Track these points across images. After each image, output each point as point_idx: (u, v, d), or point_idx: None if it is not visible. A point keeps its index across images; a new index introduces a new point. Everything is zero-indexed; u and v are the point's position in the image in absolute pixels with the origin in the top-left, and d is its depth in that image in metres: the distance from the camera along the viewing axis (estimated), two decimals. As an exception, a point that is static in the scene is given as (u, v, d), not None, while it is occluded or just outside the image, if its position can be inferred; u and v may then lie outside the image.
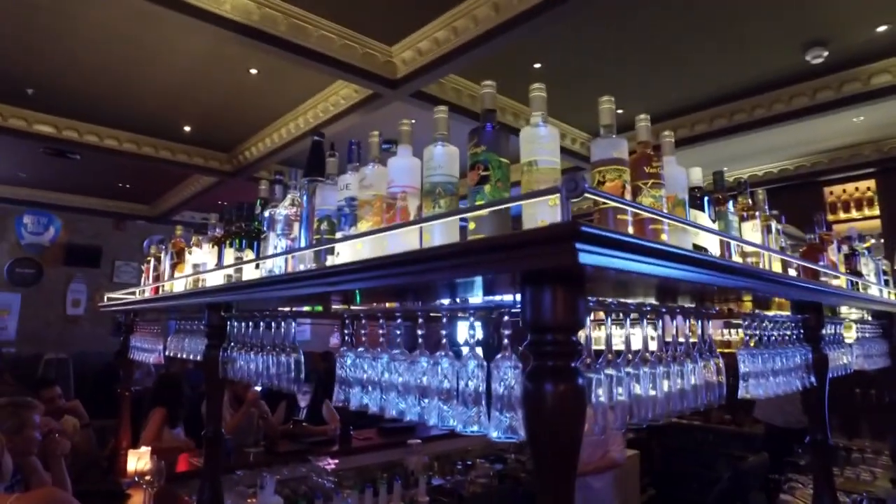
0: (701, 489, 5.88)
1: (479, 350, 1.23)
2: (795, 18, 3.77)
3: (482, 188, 1.19)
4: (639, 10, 3.72)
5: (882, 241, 6.32)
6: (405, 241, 1.36)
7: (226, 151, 6.48)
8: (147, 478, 3.00)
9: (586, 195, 0.81)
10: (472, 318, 1.20)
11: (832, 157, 6.49)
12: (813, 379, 2.06)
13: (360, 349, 1.48)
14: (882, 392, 3.42)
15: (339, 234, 1.55)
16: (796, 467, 4.61)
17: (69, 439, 3.59)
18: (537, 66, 4.32)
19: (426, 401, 1.25)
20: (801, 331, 2.11)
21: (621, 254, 0.83)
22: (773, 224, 1.97)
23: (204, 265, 2.46)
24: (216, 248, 2.37)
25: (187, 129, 5.72)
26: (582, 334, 1.21)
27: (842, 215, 6.79)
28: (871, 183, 6.51)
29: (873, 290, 2.73)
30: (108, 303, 3.66)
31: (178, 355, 2.72)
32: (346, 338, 1.53)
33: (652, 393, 1.20)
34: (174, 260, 2.88)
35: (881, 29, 3.83)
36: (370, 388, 1.42)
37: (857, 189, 6.72)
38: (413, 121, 1.47)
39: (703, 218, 1.54)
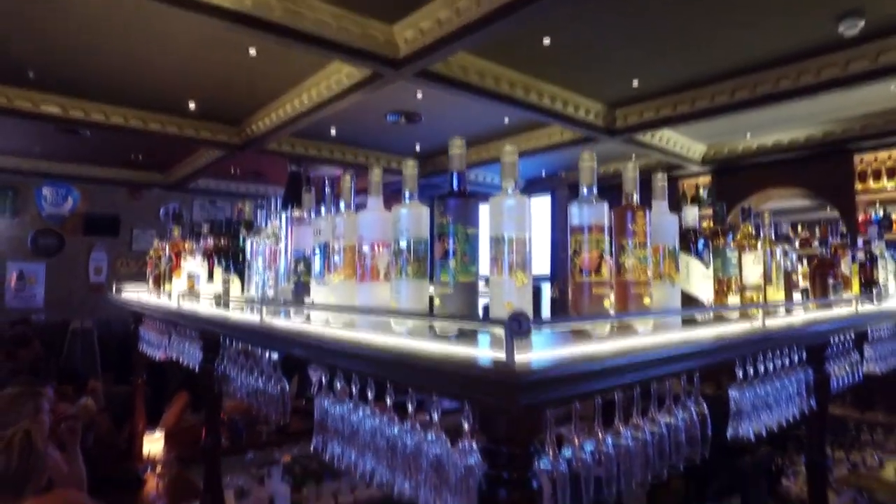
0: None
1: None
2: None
3: (447, 263, 1.13)
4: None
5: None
6: (375, 297, 1.32)
7: (233, 125, 6.41)
8: (159, 468, 3.11)
9: (533, 328, 0.75)
10: (434, 399, 1.16)
11: (865, 123, 6.14)
12: (813, 402, 2.00)
13: (333, 399, 1.46)
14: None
15: (313, 279, 1.52)
16: (799, 443, 4.58)
17: (85, 422, 3.75)
18: (547, 41, 4.09)
19: (396, 471, 1.23)
20: (804, 352, 2.03)
21: (568, 387, 0.77)
22: (779, 248, 1.86)
23: (197, 276, 2.47)
24: (206, 261, 2.36)
25: (192, 105, 5.63)
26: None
27: (872, 184, 6.48)
28: (907, 150, 6.20)
29: (891, 303, 2.60)
30: (116, 297, 3.72)
31: (177, 359, 2.76)
32: (324, 381, 1.51)
33: (614, 469, 1.16)
34: (172, 262, 2.89)
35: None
36: (343, 442, 1.40)
37: (889, 157, 6.38)
38: (379, 172, 1.38)
39: (695, 265, 1.46)
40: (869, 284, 2.50)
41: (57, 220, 8.87)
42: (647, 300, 1.24)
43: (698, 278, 1.47)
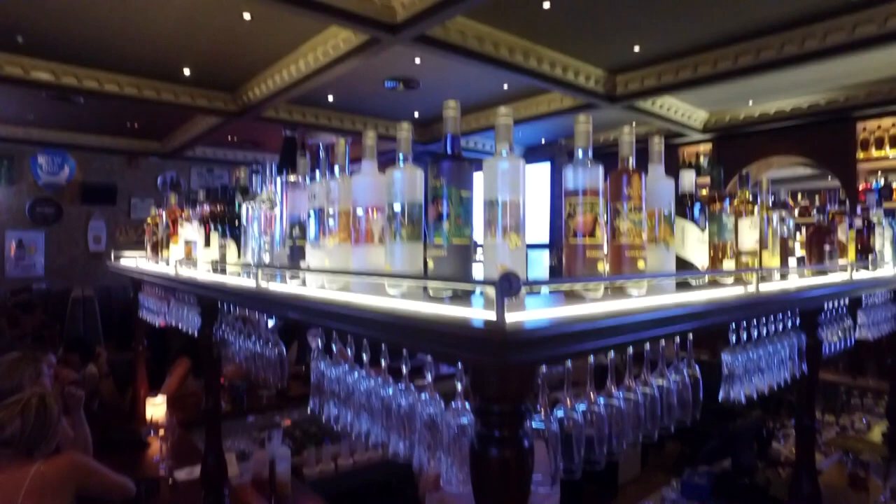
0: (704, 420, 6.04)
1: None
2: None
3: (441, 224, 1.12)
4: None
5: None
6: (370, 261, 1.32)
7: (229, 92, 6.31)
8: (161, 431, 3.17)
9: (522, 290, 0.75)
10: (430, 361, 1.17)
11: (870, 90, 6.05)
12: (804, 367, 2.02)
13: (329, 361, 1.48)
14: (892, 344, 3.37)
15: (308, 243, 1.52)
16: (791, 408, 4.65)
17: (90, 388, 3.81)
18: (546, 4, 4.00)
19: (392, 431, 1.26)
20: (798, 318, 2.05)
21: (559, 347, 0.78)
22: (776, 214, 1.86)
23: (194, 243, 2.47)
24: (203, 227, 2.36)
25: (187, 71, 5.54)
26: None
27: (874, 153, 6.43)
28: (910, 118, 6.12)
29: (887, 268, 2.61)
30: (115, 264, 3.72)
31: (176, 325, 2.78)
32: (320, 345, 1.53)
33: (606, 431, 1.19)
34: (169, 230, 2.89)
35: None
36: (340, 403, 1.43)
37: (893, 125, 6.31)
38: (373, 135, 1.37)
39: (690, 230, 1.46)
40: (865, 251, 2.51)
41: (54, 188, 8.82)
42: (641, 264, 1.24)
43: (693, 243, 1.47)
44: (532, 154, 8.76)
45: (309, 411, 1.56)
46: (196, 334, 2.40)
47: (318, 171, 1.55)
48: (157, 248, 3.09)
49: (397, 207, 1.21)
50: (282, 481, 3.16)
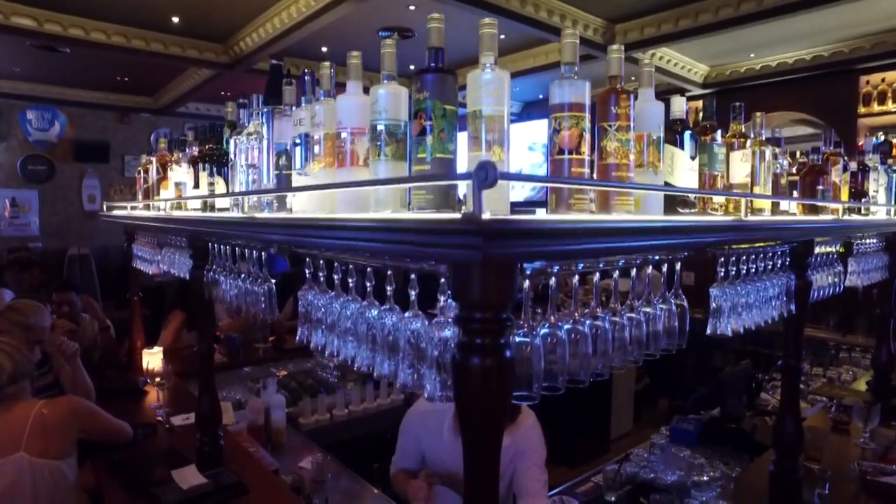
0: (697, 377, 6.14)
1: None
2: None
3: (424, 139, 1.10)
4: None
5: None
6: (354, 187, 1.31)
7: (220, 42, 6.16)
8: (157, 379, 3.21)
9: (500, 180, 0.74)
10: (413, 276, 1.17)
11: (875, 41, 5.91)
12: (792, 307, 2.03)
13: (316, 291, 1.48)
14: (884, 301, 3.40)
15: (294, 171, 1.50)
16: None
17: (87, 340, 3.84)
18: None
19: (377, 353, 1.27)
20: (788, 258, 2.05)
21: (539, 242, 0.78)
22: (769, 150, 1.83)
23: (184, 185, 2.44)
24: (192, 168, 2.33)
25: (175, 19, 5.39)
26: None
27: (876, 107, 6.33)
28: (915, 71, 6.01)
29: (880, 210, 2.60)
30: (106, 212, 3.70)
31: (170, 270, 2.78)
32: (308, 275, 1.53)
33: (589, 350, 1.19)
34: (160, 174, 2.86)
35: None
36: (326, 330, 1.44)
37: (898, 78, 6.20)
38: (358, 55, 1.33)
39: (680, 156, 1.44)
40: (859, 196, 2.49)
41: (45, 145, 8.70)
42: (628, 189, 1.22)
43: (683, 171, 1.45)
44: (531, 110, 8.61)
45: (297, 340, 1.57)
46: (188, 276, 2.40)
47: (303, 99, 1.52)
48: (148, 195, 3.06)
49: (381, 126, 1.19)
50: (277, 428, 3.22)
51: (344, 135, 1.30)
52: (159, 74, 7.73)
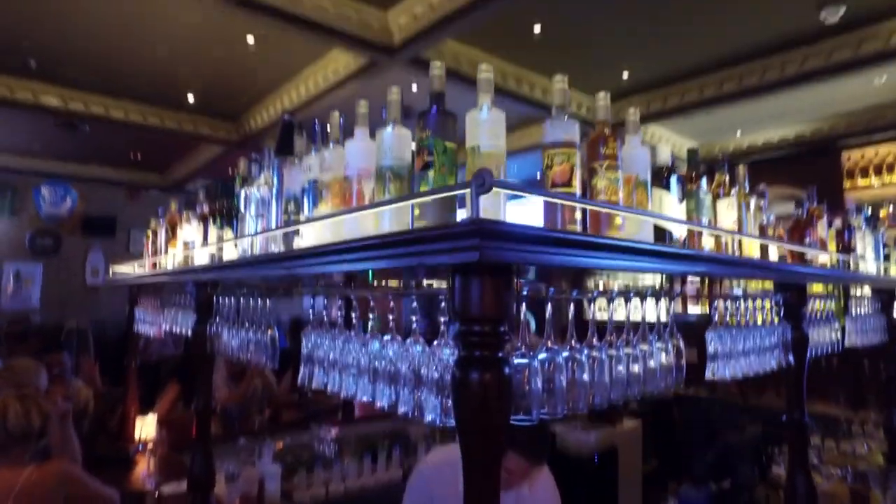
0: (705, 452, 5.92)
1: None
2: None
3: (426, 174, 1.18)
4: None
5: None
6: (361, 222, 1.37)
7: (232, 120, 6.50)
8: (149, 447, 3.13)
9: (495, 189, 0.80)
10: (414, 303, 1.21)
11: (851, 120, 6.25)
12: (791, 358, 2.04)
13: (320, 331, 1.51)
14: (890, 365, 3.38)
15: (303, 216, 1.57)
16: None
17: (79, 404, 3.77)
18: (537, 30, 4.20)
19: (378, 384, 1.28)
20: (783, 308, 2.09)
21: (533, 248, 0.83)
22: (754, 200, 1.93)
23: (192, 243, 2.51)
24: (202, 224, 2.41)
25: (191, 98, 5.72)
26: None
27: (860, 182, 6.57)
28: (894, 147, 6.28)
29: (869, 267, 2.66)
30: (113, 277, 3.76)
31: (172, 329, 2.80)
32: (311, 315, 1.57)
33: (587, 378, 1.21)
34: (168, 235, 2.94)
35: (900, -15, 3.63)
36: (327, 368, 1.45)
37: (876, 154, 6.48)
38: (365, 103, 1.45)
39: (668, 199, 1.52)
40: (847, 251, 2.56)
41: (55, 220, 8.91)
42: (618, 220, 1.29)
43: (671, 214, 1.53)
44: (528, 187, 8.87)
45: (298, 383, 1.58)
46: (191, 332, 2.41)
47: (314, 149, 1.62)
48: (155, 256, 3.13)
49: (385, 164, 1.27)
50: (271, 501, 3.10)
51: (351, 175, 1.39)
52: (170, 152, 8.07)
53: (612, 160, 1.31)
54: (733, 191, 1.80)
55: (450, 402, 1.08)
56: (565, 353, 1.21)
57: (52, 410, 2.91)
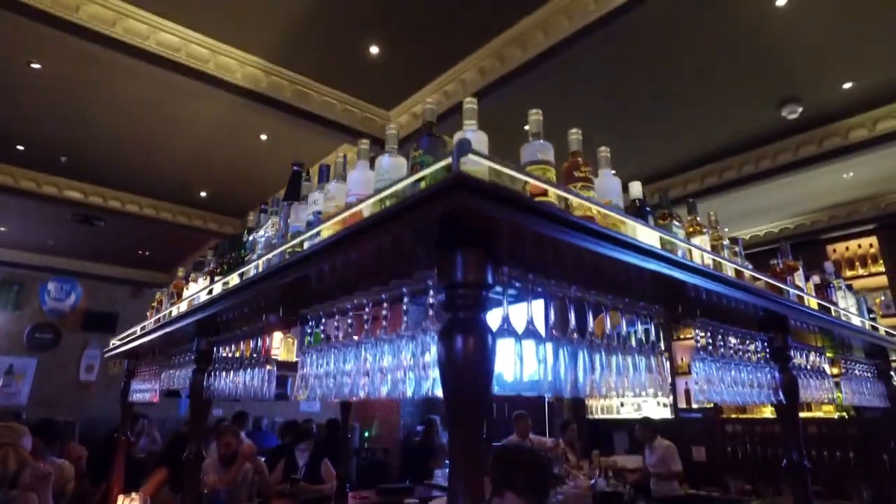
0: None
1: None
2: (767, 77, 4.03)
3: (418, 186, 1.34)
4: (626, 76, 4.02)
5: (892, 296, 6.26)
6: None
7: (240, 217, 6.82)
8: (133, 521, 3.00)
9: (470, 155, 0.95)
10: (406, 299, 1.31)
11: (830, 214, 6.56)
12: (782, 397, 2.06)
13: (317, 350, 1.59)
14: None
15: (306, 245, 1.70)
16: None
17: (60, 479, 3.63)
18: (527, 127, 4.58)
19: (376, 379, 1.35)
20: (768, 350, 2.14)
21: (513, 208, 0.96)
22: (727, 243, 2.06)
23: (197, 298, 2.60)
24: (209, 279, 2.52)
25: (203, 194, 6.08)
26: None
27: (847, 273, 6.74)
28: (874, 239, 6.54)
29: (853, 321, 2.73)
30: (112, 347, 3.79)
31: (171, 386, 2.81)
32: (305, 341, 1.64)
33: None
34: (174, 300, 3.04)
35: (847, 86, 4.05)
36: (325, 380, 1.51)
37: (859, 246, 6.72)
38: (367, 141, 1.65)
39: (641, 228, 1.65)
40: (827, 302, 2.64)
41: (57, 314, 8.98)
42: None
43: (645, 240, 1.66)
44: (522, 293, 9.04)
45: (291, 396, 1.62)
46: (188, 382, 2.44)
47: (319, 187, 1.79)
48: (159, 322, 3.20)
49: (382, 185, 1.43)
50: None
51: (352, 200, 1.54)
52: (176, 249, 8.35)
53: (586, 182, 1.48)
54: (706, 230, 1.95)
55: (435, 379, 1.15)
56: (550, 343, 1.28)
57: (33, 465, 2.84)
